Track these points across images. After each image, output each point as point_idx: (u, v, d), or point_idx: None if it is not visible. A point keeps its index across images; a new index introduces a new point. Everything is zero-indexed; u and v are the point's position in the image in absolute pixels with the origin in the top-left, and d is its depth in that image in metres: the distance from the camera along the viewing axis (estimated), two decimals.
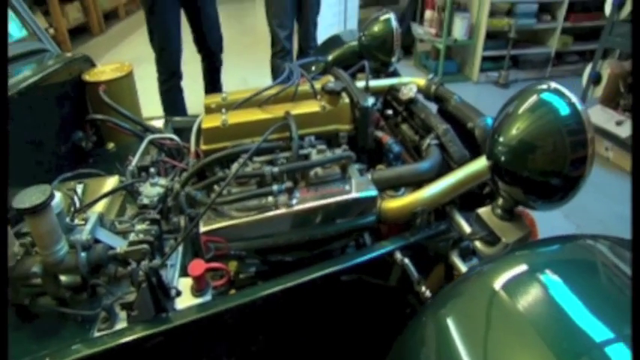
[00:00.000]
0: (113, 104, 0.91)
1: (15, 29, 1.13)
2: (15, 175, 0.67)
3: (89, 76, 1.04)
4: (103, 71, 1.09)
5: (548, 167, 0.49)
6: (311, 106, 0.77)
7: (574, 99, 0.49)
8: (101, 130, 1.06)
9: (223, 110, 0.76)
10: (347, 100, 0.77)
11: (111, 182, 0.82)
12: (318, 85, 0.81)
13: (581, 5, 2.97)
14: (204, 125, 0.73)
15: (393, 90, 0.95)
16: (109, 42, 4.75)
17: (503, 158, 0.53)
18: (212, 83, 2.02)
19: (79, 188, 0.79)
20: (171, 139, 0.86)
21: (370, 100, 0.74)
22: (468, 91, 2.92)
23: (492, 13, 2.83)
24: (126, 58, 3.92)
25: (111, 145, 1.06)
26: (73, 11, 4.52)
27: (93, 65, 1.17)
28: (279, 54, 1.96)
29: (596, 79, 2.11)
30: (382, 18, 1.01)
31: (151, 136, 0.85)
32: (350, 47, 1.12)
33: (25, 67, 0.99)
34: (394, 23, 0.99)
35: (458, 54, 3.12)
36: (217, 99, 0.80)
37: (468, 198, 0.68)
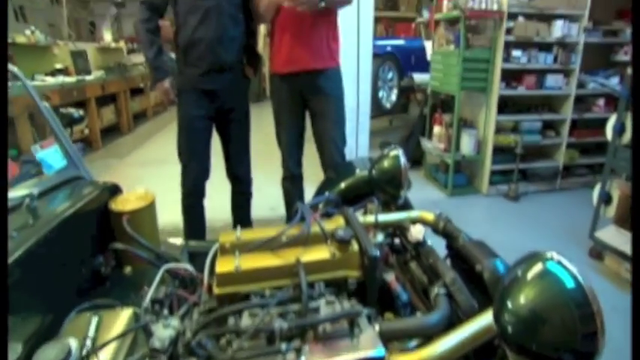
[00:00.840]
0: (134, 235, 0.97)
1: (57, 159, 1.25)
2: (38, 294, 0.84)
3: (115, 205, 1.13)
4: (128, 200, 1.18)
5: (558, 342, 0.48)
6: (321, 252, 0.79)
7: (575, 271, 0.50)
8: (120, 254, 1.10)
9: (237, 253, 0.79)
10: (356, 247, 0.80)
11: (125, 316, 0.83)
12: (329, 227, 0.84)
13: (584, 123, 3.14)
14: (218, 270, 0.75)
15: (402, 227, 0.98)
16: (135, 140, 5.14)
17: (511, 328, 0.52)
18: (239, 209, 2.08)
19: (94, 322, 0.81)
20: (185, 269, 0.89)
21: (377, 252, 0.76)
22: (478, 204, 2.97)
23: (498, 130, 3.00)
24: (150, 157, 4.22)
25: (128, 269, 1.10)
26: (107, 113, 5.01)
27: (119, 192, 1.26)
28: (288, 179, 2.01)
29: (606, 199, 2.14)
30: (391, 154, 1.10)
31: (166, 266, 0.88)
32: (362, 177, 1.19)
33: (59, 197, 1.08)
34: (402, 160, 1.07)
35: (467, 167, 3.24)
36: (232, 237, 0.83)
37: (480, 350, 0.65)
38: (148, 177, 3.64)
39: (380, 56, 3.94)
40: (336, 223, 0.87)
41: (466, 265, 0.80)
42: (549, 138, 3.15)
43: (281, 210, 2.87)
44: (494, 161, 3.04)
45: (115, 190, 1.26)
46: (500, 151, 3.06)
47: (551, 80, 3.00)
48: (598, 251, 2.19)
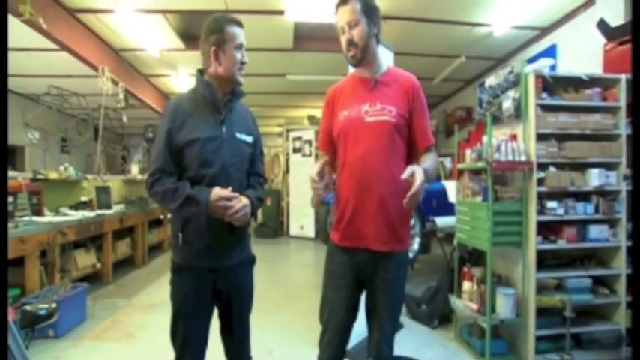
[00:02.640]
0: None
1: None
2: None
3: None
4: None
5: None
6: None
7: None
8: None
9: None
10: None
11: None
12: None
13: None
14: None
15: None
16: (147, 275, 4.95)
17: None
18: None
19: None
20: None
21: None
22: None
23: (540, 289, 2.63)
24: (159, 298, 3.93)
25: None
26: (123, 246, 4.94)
27: None
28: None
29: None
30: None
31: None
32: None
33: None
34: None
35: (506, 331, 2.79)
36: None
37: None
38: (152, 324, 3.33)
39: None
40: None
41: None
42: (602, 296, 2.73)
43: None
44: (538, 325, 2.59)
45: None
46: (544, 313, 2.63)
47: (595, 231, 2.72)
48: None
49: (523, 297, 2.65)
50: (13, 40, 4.79)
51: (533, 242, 2.62)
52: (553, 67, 3.01)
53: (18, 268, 3.21)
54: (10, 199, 3.48)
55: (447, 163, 4.38)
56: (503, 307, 2.62)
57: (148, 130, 7.28)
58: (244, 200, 1.53)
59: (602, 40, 3.49)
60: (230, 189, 1.50)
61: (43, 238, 3.39)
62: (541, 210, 2.68)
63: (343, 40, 1.55)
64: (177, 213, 1.52)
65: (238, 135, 1.62)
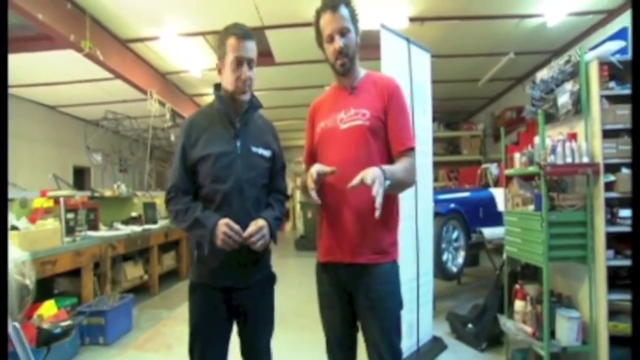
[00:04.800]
0: None
1: None
2: None
3: None
4: None
5: None
6: None
7: None
8: None
9: None
10: None
11: None
12: None
13: None
14: None
15: None
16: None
17: None
18: None
19: None
20: None
21: None
22: None
23: (612, 313, 2.24)
24: None
25: None
26: (168, 259, 5.11)
27: None
28: None
29: None
30: None
31: None
32: None
33: None
34: None
35: None
36: None
37: None
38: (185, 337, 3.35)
39: (443, 215, 3.55)
40: None
41: None
42: None
43: None
44: (612, 356, 2.19)
45: None
46: (619, 342, 2.22)
47: None
48: None
49: (591, 322, 2.27)
50: (74, 73, 5.27)
51: (603, 257, 2.24)
52: (624, 51, 2.58)
53: (76, 278, 3.47)
54: (71, 216, 3.82)
55: (493, 169, 3.99)
56: (566, 332, 2.26)
57: None
58: (260, 222, 1.43)
59: None
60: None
61: (96, 251, 3.61)
62: (611, 219, 2.30)
63: (332, 48, 1.45)
64: (188, 233, 1.49)
65: (254, 149, 1.53)
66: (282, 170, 1.67)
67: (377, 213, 1.16)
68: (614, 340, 2.21)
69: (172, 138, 6.22)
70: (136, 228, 4.49)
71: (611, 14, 4.76)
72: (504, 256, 2.81)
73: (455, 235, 3.71)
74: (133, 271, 4.40)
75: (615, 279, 2.31)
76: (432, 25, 4.70)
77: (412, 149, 1.44)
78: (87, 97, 6.47)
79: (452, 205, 3.70)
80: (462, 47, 5.52)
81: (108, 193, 4.81)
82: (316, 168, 1.36)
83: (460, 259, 3.66)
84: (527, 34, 5.21)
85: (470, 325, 3.01)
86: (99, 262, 3.68)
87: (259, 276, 1.55)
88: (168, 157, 7.55)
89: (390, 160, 1.44)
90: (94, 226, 4.15)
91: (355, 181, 1.22)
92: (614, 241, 2.30)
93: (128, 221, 4.80)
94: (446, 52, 5.32)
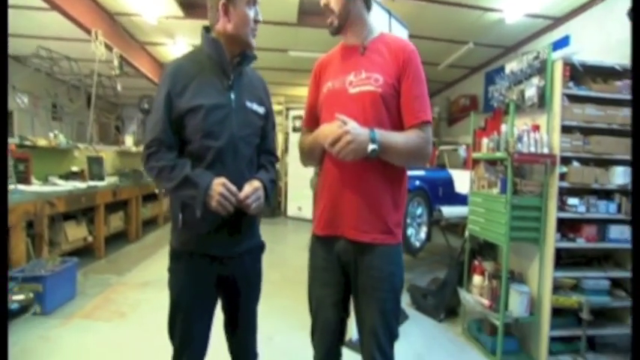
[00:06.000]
0: None
1: None
2: None
3: None
4: None
5: None
6: None
7: None
8: None
9: None
10: None
11: None
12: None
13: None
14: None
15: None
16: (141, 252, 4.79)
17: None
18: None
19: None
20: None
21: None
22: None
23: (556, 288, 2.52)
24: (152, 276, 3.78)
25: None
26: (116, 220, 4.76)
27: None
28: None
29: None
30: None
31: None
32: None
33: None
34: None
35: (517, 329, 2.69)
36: None
37: None
38: (144, 303, 3.19)
39: (410, 191, 3.64)
40: None
41: None
42: (619, 299, 2.63)
43: None
44: (553, 325, 2.49)
45: None
46: (559, 313, 2.53)
47: (616, 232, 2.59)
48: None
49: (538, 296, 2.54)
50: None
51: (552, 239, 2.49)
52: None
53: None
54: None
55: (462, 151, 4.20)
56: (517, 305, 2.51)
57: (143, 100, 6.96)
58: (256, 183, 1.32)
59: (618, 32, 3.29)
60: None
61: (30, 209, 3.20)
62: (561, 206, 2.54)
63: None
64: (173, 194, 1.31)
65: (249, 104, 1.39)
66: (272, 131, 1.55)
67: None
68: (555, 312, 2.50)
69: (119, 88, 5.65)
70: (79, 184, 4.09)
71: (558, 21, 5.18)
72: (466, 234, 3.01)
73: (419, 211, 3.88)
74: (75, 232, 4.03)
75: (559, 259, 2.60)
76: (403, 3, 4.70)
77: (427, 122, 1.29)
78: (12, 26, 5.59)
79: (417, 183, 3.85)
80: (429, 30, 5.63)
81: (42, 142, 4.27)
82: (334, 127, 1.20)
83: (423, 235, 3.86)
84: (486, 27, 5.49)
85: (429, 298, 3.22)
86: (32, 222, 3.29)
87: (250, 244, 1.45)
88: (113, 108, 6.88)
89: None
90: (24, 180, 3.68)
91: (341, 117, 1.17)
92: (562, 225, 2.57)
93: (68, 176, 4.34)
94: (413, 33, 5.36)
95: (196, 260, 1.34)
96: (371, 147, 1.16)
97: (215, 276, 1.39)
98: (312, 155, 1.43)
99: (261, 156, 1.48)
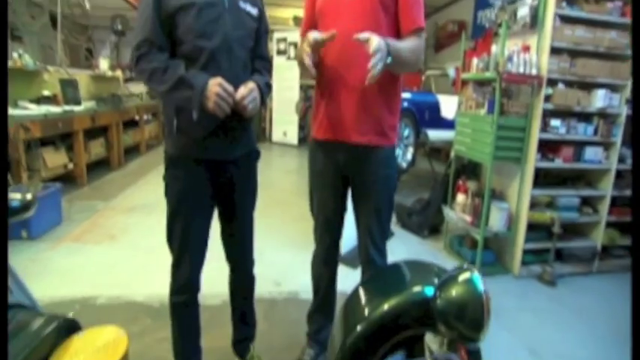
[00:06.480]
0: None
1: None
2: None
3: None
4: (87, 349, 0.76)
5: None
6: None
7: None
8: None
9: None
10: None
11: None
12: None
13: (625, 200, 2.83)
14: None
15: None
16: (125, 178, 4.73)
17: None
18: (240, 297, 1.65)
19: None
20: None
21: None
22: (509, 288, 2.59)
23: (532, 205, 2.67)
24: (139, 201, 3.79)
25: None
26: (96, 146, 4.62)
27: (77, 329, 0.85)
28: (320, 261, 1.64)
29: None
30: (465, 278, 0.78)
31: None
32: (417, 299, 0.82)
33: None
34: (481, 287, 0.75)
35: (495, 243, 2.88)
36: None
37: None
38: (133, 227, 3.23)
39: None
40: None
41: None
42: (586, 215, 2.82)
43: (288, 286, 2.45)
44: (527, 239, 2.68)
45: (71, 328, 0.84)
46: (533, 228, 2.71)
47: (591, 153, 2.70)
48: None
49: (516, 212, 2.69)
50: None
51: (533, 159, 2.57)
52: None
53: None
54: None
55: (451, 72, 4.13)
56: (497, 220, 2.66)
57: (116, 21, 6.41)
58: (251, 84, 1.27)
59: None
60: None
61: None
62: (544, 127, 2.60)
63: None
64: (167, 97, 1.25)
65: (242, 4, 1.31)
66: (265, 35, 1.47)
67: (367, 82, 1.13)
68: (530, 227, 2.67)
69: (87, 6, 5.16)
70: (54, 109, 3.89)
71: None
72: (452, 154, 3.07)
73: (406, 132, 3.89)
74: (54, 159, 3.92)
75: (537, 178, 2.71)
76: None
77: (422, 29, 1.35)
78: None
79: (405, 104, 3.82)
80: None
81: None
82: (314, 35, 1.24)
83: (409, 156, 3.92)
84: None
85: (414, 216, 3.37)
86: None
87: (246, 149, 1.43)
88: (83, 30, 6.34)
89: (398, 39, 1.34)
90: None
91: (363, 35, 1.13)
92: (542, 146, 2.64)
93: (40, 100, 4.11)
94: None
95: (192, 165, 1.32)
96: (389, 59, 1.17)
97: (210, 180, 1.37)
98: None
99: (255, 61, 1.42)
